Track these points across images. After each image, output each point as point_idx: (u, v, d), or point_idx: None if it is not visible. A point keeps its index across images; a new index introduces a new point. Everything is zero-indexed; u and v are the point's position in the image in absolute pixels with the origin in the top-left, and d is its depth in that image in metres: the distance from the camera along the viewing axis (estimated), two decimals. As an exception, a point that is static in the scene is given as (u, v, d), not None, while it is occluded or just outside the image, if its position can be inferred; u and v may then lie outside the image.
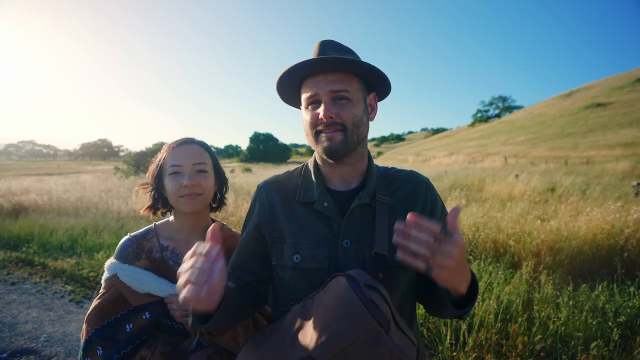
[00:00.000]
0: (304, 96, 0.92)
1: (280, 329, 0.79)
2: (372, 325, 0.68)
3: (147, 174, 1.22)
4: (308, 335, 0.73)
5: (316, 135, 0.91)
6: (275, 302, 1.04)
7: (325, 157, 0.92)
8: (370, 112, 0.96)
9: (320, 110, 0.87)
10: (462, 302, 0.81)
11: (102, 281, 1.14)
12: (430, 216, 0.95)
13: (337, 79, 0.87)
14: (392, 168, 1.05)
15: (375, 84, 0.95)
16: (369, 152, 1.01)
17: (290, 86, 0.95)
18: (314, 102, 0.90)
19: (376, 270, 0.85)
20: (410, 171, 1.04)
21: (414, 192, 0.98)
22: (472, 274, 0.81)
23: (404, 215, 0.93)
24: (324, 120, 0.87)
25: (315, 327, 0.73)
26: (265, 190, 1.03)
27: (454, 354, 2.50)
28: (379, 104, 1.01)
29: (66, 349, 2.91)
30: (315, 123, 0.90)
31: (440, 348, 2.57)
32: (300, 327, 0.76)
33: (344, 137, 0.88)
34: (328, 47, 0.91)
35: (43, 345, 2.94)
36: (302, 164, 1.07)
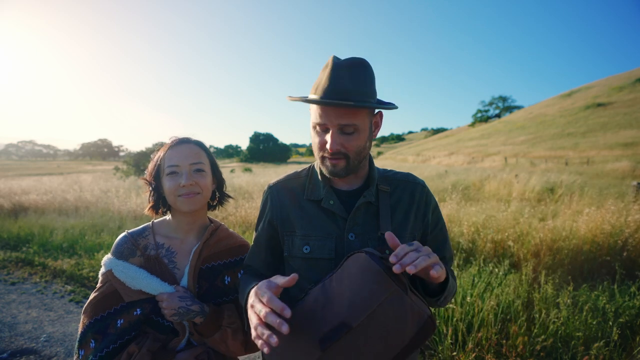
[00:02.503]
0: (313, 119, 0.97)
1: (304, 310, 0.84)
2: (393, 288, 0.78)
3: (145, 173, 1.23)
4: (336, 306, 0.80)
5: (322, 159, 1.00)
6: (284, 291, 1.06)
7: (328, 176, 1.02)
8: (374, 130, 1.02)
9: (328, 140, 0.94)
10: (437, 290, 0.95)
11: (100, 275, 1.16)
12: (424, 214, 1.10)
13: (347, 113, 0.91)
14: (391, 170, 1.16)
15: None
16: (370, 156, 1.10)
17: (301, 103, 1.03)
18: (322, 130, 0.97)
19: (383, 248, 0.95)
20: (407, 173, 1.15)
21: (411, 193, 1.09)
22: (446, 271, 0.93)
23: (402, 214, 1.06)
24: (330, 151, 0.94)
25: (342, 297, 0.80)
26: (276, 189, 1.14)
27: (454, 353, 2.50)
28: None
29: (66, 349, 2.91)
30: (321, 148, 0.97)
31: (440, 348, 2.57)
32: (327, 303, 0.82)
33: (346, 164, 0.97)
34: (342, 71, 0.89)
35: (43, 345, 2.95)
36: (308, 165, 1.17)
